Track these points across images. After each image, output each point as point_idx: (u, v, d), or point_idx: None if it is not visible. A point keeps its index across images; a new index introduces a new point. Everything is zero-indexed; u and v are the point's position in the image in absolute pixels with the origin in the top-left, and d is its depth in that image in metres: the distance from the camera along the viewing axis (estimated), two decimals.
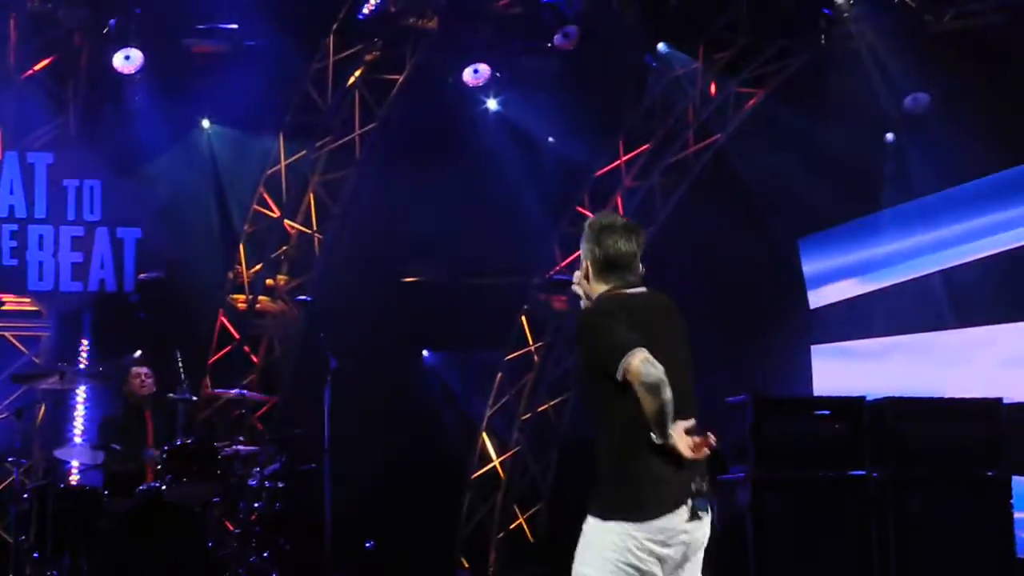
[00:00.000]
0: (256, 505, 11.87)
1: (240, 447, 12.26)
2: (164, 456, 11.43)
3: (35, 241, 13.83)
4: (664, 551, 5.73)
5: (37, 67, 13.86)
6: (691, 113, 15.66)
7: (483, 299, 15.39)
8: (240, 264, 15.06)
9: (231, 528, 12.15)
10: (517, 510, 15.94)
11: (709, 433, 5.74)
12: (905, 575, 10.72)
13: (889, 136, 15.34)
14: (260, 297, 15.13)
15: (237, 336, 14.96)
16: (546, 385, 16.13)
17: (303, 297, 14.37)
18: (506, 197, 15.11)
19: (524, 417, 16.09)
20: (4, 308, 13.75)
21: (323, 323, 14.03)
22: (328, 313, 14.17)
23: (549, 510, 15.87)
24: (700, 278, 15.52)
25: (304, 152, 14.94)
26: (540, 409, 16.12)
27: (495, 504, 15.89)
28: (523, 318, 16.10)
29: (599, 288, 5.97)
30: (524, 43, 15.00)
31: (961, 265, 14.54)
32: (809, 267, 15.71)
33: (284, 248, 15.23)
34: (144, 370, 12.42)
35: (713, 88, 15.58)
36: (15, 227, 13.80)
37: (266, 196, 15.02)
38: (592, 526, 5.80)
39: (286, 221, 15.11)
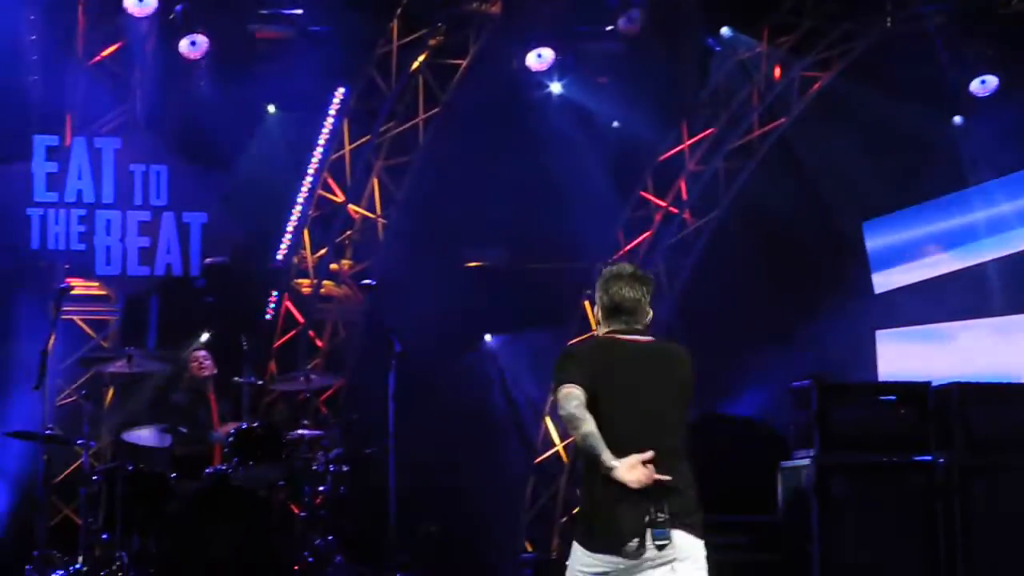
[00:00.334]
0: (321, 489, 11.92)
1: (305, 431, 12.32)
2: (231, 439, 11.53)
3: (103, 226, 13.93)
4: (613, 569, 6.03)
5: (104, 53, 13.96)
6: (755, 97, 15.59)
7: (546, 284, 15.40)
8: (304, 249, 15.14)
9: (296, 511, 12.21)
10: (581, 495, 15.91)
11: (662, 476, 5.95)
12: (970, 561, 10.68)
13: (957, 119, 15.22)
14: (324, 281, 15.20)
15: (302, 320, 15.05)
16: None
17: (367, 281, 14.41)
18: (569, 182, 15.09)
19: None
20: (73, 292, 13.85)
21: (387, 307, 14.10)
22: (392, 297, 14.22)
23: None
24: (763, 262, 15.49)
25: (368, 137, 14.99)
26: None
27: (558, 488, 15.90)
28: (586, 303, 16.09)
29: (603, 330, 6.34)
30: (588, 27, 14.96)
31: None
32: (874, 250, 15.61)
33: (348, 233, 15.29)
34: (202, 353, 12.52)
35: (777, 72, 15.50)
36: (83, 212, 13.91)
37: (330, 181, 15.08)
38: None
39: (350, 206, 15.17)
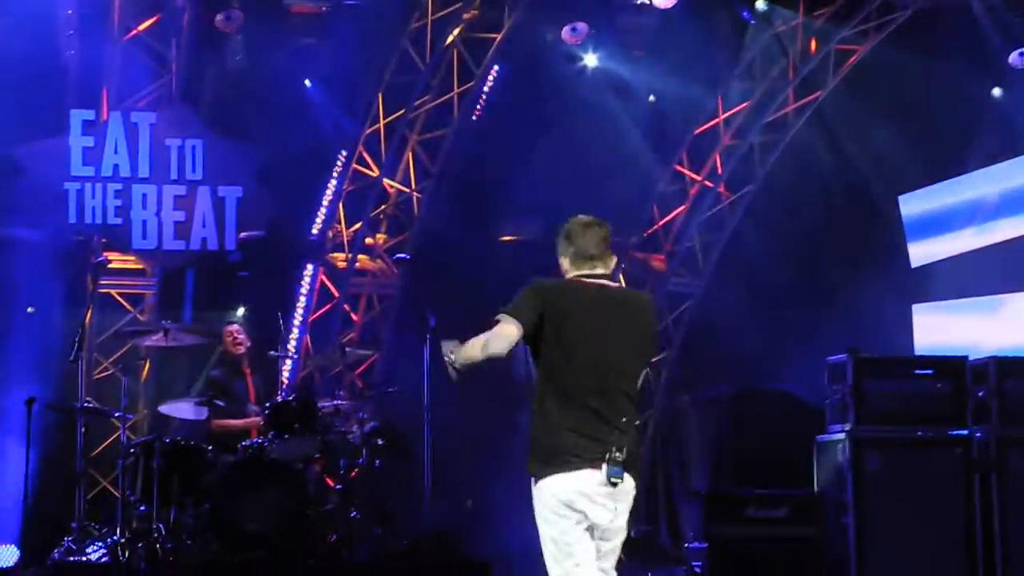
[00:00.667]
0: (357, 462, 11.96)
1: (340, 404, 12.37)
2: (267, 413, 11.58)
3: (139, 200, 13.98)
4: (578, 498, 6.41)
5: (140, 28, 13.99)
6: (791, 70, 15.53)
7: None
8: (339, 223, 15.16)
9: (332, 484, 12.25)
10: None
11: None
12: (1007, 535, 10.65)
13: (996, 91, 15.12)
14: (359, 256, 15.22)
15: (337, 294, 15.09)
16: None
17: (402, 255, 14.44)
18: (604, 155, 15.07)
19: None
20: (109, 266, 13.94)
21: (421, 281, 14.12)
22: (426, 271, 14.22)
23: (648, 468, 15.86)
24: (799, 236, 15.44)
25: (403, 111, 14.98)
26: None
27: None
28: (621, 277, 16.09)
29: (571, 274, 6.62)
30: (622, 0, 14.90)
31: None
32: (910, 223, 15.53)
33: (383, 207, 15.31)
34: (235, 327, 12.55)
35: (813, 45, 15.43)
36: (120, 186, 13.95)
37: (365, 155, 15.09)
38: None
39: (385, 180, 15.18)
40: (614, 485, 6.28)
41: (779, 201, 15.76)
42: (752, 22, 15.35)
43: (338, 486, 12.07)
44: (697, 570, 11.27)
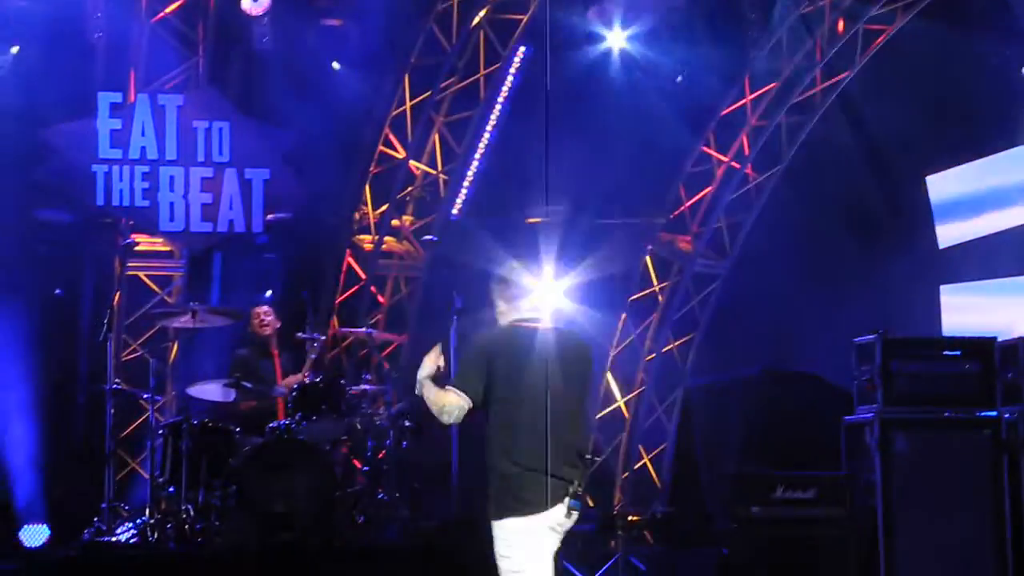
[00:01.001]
0: (384, 444, 11.98)
1: (368, 386, 12.38)
2: (294, 394, 11.60)
3: (166, 182, 14.00)
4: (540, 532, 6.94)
5: (167, 10, 14.00)
6: (818, 51, 15.46)
7: (607, 239, 15.36)
8: (366, 205, 15.17)
9: (359, 466, 12.28)
10: (643, 450, 15.93)
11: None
12: None
13: None
14: (386, 238, 15.23)
15: (363, 276, 15.10)
16: (671, 325, 16.09)
17: (429, 237, 14.45)
18: (630, 137, 15.04)
19: (648, 358, 16.08)
20: (137, 248, 13.98)
21: (448, 263, 14.12)
22: (453, 253, 14.22)
23: (675, 450, 15.85)
24: (826, 217, 15.40)
25: (429, 93, 14.97)
26: (664, 350, 16.09)
27: (620, 444, 15.92)
28: (647, 258, 16.07)
29: (508, 319, 7.18)
30: None
31: None
32: (938, 205, 15.45)
33: (409, 188, 15.30)
34: (264, 309, 12.59)
35: (841, 25, 15.36)
36: (147, 168, 13.96)
37: (391, 137, 15.09)
38: None
39: (411, 162, 15.17)
40: (568, 516, 6.82)
41: (806, 182, 15.71)
42: (780, 1, 15.29)
43: (365, 468, 12.10)
44: (724, 552, 11.26)
